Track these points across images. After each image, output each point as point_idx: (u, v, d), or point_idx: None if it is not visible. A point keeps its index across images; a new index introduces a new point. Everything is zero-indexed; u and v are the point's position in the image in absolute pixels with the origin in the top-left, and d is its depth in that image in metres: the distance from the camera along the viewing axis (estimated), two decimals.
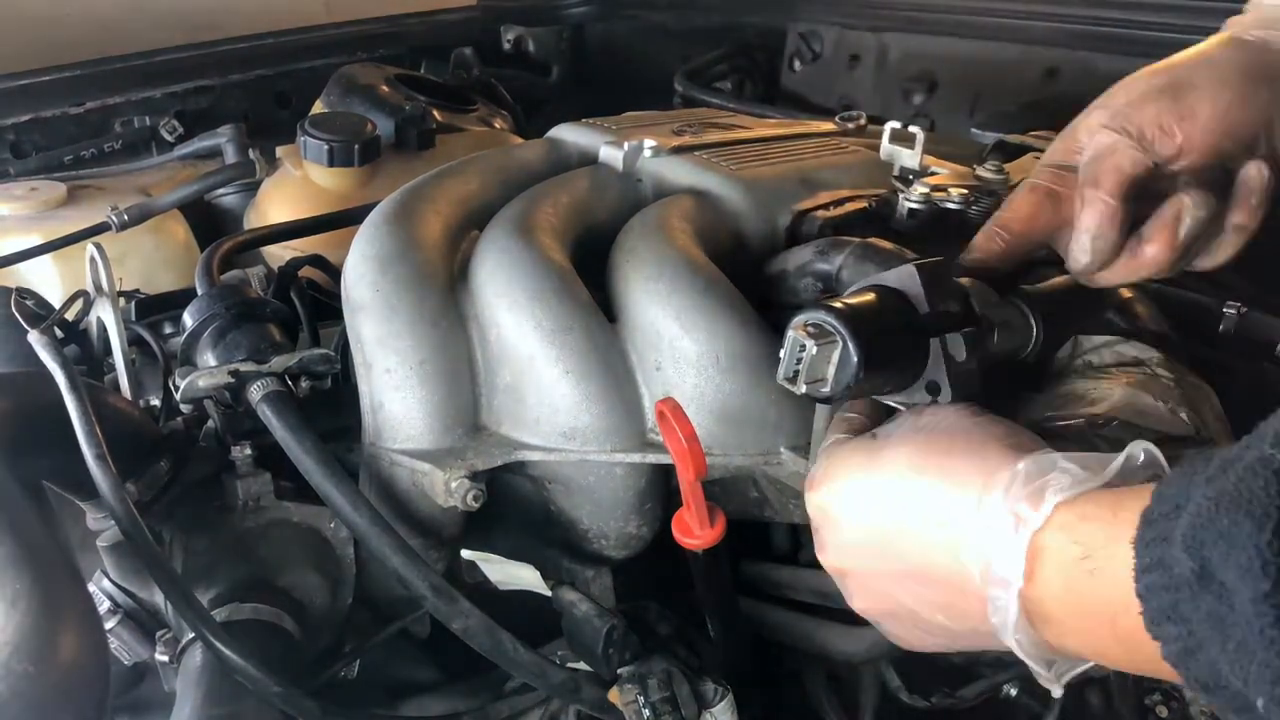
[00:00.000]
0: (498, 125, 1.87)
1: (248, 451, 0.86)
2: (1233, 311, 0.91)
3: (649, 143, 1.06)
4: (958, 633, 0.62)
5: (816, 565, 0.99)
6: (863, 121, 1.26)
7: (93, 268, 1.00)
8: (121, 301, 1.02)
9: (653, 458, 0.85)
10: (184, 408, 0.96)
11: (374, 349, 0.86)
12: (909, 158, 0.98)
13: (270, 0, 2.14)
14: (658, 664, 0.85)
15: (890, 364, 0.67)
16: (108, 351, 1.05)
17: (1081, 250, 0.72)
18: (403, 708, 0.93)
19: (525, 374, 0.85)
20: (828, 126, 1.26)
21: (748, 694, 0.88)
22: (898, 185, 0.96)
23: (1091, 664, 0.56)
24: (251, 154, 1.55)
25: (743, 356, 0.84)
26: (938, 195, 0.94)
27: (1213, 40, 0.75)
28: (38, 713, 0.56)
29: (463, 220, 0.99)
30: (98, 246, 0.99)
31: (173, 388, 0.87)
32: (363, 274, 0.89)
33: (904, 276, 0.68)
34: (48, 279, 1.39)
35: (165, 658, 0.83)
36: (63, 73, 1.78)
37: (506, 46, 2.35)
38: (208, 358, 0.91)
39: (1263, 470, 0.41)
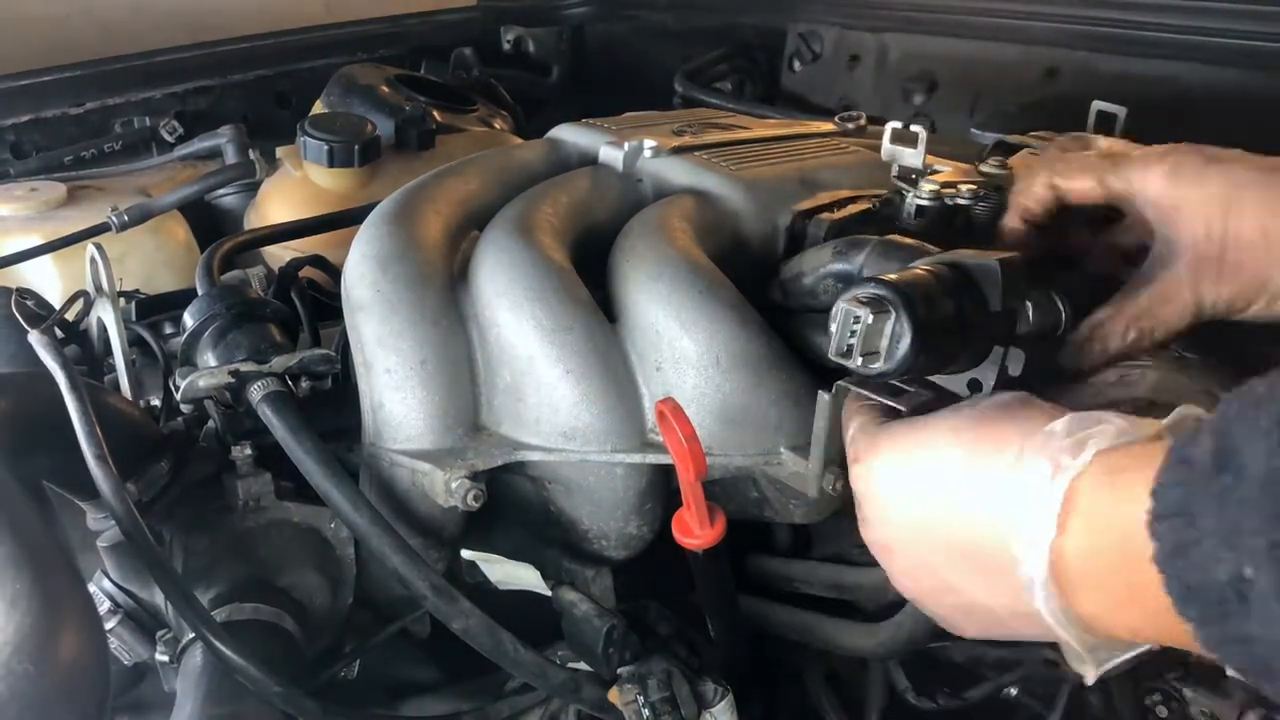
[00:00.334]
0: (498, 125, 1.87)
1: (248, 451, 0.86)
2: None
3: (649, 143, 1.06)
4: (996, 611, 0.59)
5: (830, 559, 1.00)
6: (863, 122, 1.26)
7: (93, 268, 1.00)
8: (121, 302, 1.02)
9: (653, 458, 0.85)
10: (184, 408, 0.96)
11: (374, 349, 0.86)
12: (911, 157, 0.98)
13: (270, 0, 2.14)
14: (658, 664, 0.85)
15: (942, 348, 0.65)
16: (108, 351, 1.05)
17: None
18: (403, 708, 0.93)
19: (525, 374, 0.85)
20: (828, 127, 1.26)
21: (748, 694, 0.88)
22: (901, 184, 0.96)
23: (1130, 654, 0.54)
24: (251, 154, 1.55)
25: (743, 357, 0.84)
26: (947, 191, 0.94)
27: None
28: (38, 713, 0.56)
29: (463, 220, 0.99)
30: (98, 247, 0.99)
31: (173, 388, 0.87)
32: (363, 274, 0.89)
33: (984, 268, 0.66)
34: (48, 279, 1.39)
35: (165, 658, 0.83)
36: (63, 73, 1.78)
37: (506, 47, 2.35)
38: (208, 358, 0.91)
39: None
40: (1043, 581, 0.52)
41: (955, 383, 0.68)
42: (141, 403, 1.04)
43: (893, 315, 0.62)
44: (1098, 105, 1.26)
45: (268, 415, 0.83)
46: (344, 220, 1.27)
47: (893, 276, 0.64)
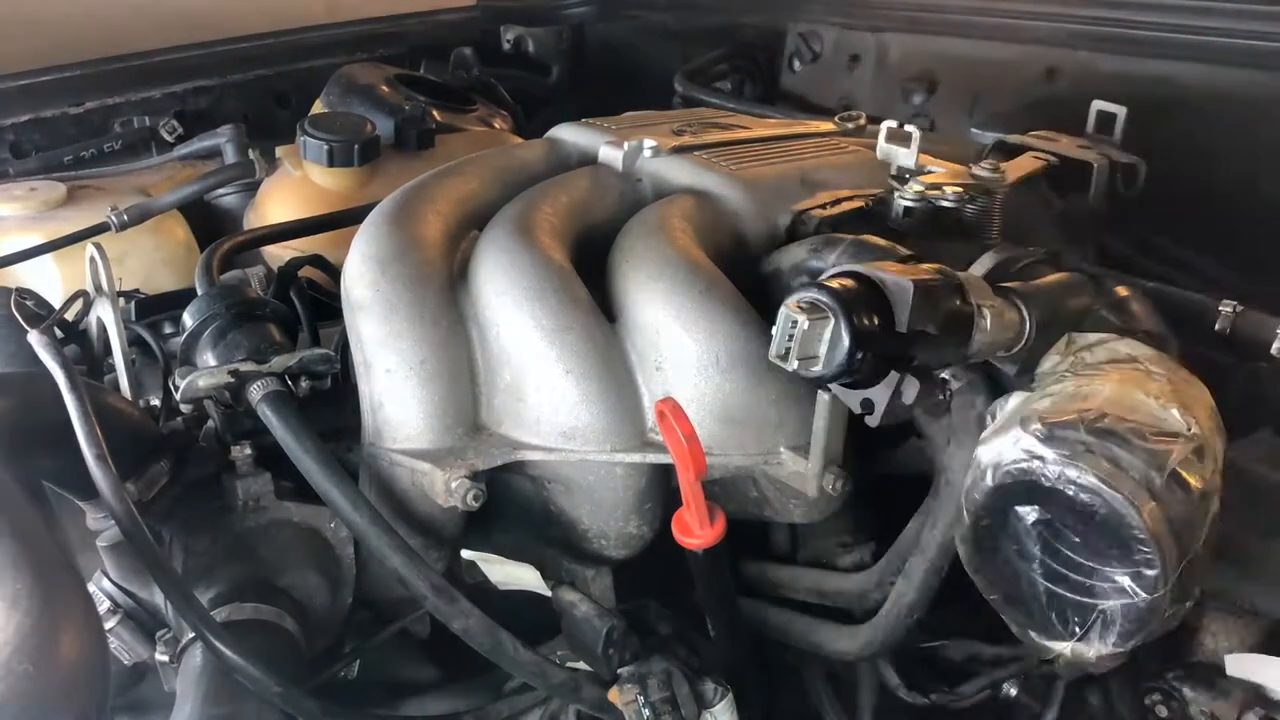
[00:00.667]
0: (498, 125, 1.86)
1: (248, 451, 0.86)
2: (1229, 310, 0.91)
3: (649, 143, 1.06)
4: None
5: (813, 564, 1.00)
6: (862, 121, 1.26)
7: (93, 268, 1.00)
8: (121, 301, 1.02)
9: (653, 458, 0.85)
10: (184, 408, 0.96)
11: (374, 349, 0.86)
12: (905, 156, 0.98)
13: (270, 0, 2.14)
14: (658, 664, 0.85)
15: (880, 357, 0.66)
16: (108, 351, 1.05)
17: None
18: (403, 707, 0.93)
19: (525, 374, 0.85)
20: (827, 126, 1.26)
21: (748, 694, 0.88)
22: (894, 184, 0.96)
23: None
24: (251, 154, 1.55)
25: (743, 357, 0.84)
26: (933, 193, 0.94)
27: None
28: (38, 713, 0.56)
29: (463, 220, 0.99)
30: (98, 246, 0.99)
31: (173, 388, 0.87)
32: (363, 274, 0.89)
33: (899, 286, 0.66)
34: (48, 279, 1.39)
35: (165, 658, 0.83)
36: (63, 73, 1.78)
37: (506, 46, 2.35)
38: (208, 358, 0.91)
39: None
40: None
41: (851, 398, 0.69)
42: (141, 403, 1.04)
43: (831, 320, 0.63)
44: (1098, 105, 1.26)
45: (267, 415, 0.83)
46: (344, 220, 1.27)
47: (835, 283, 0.65)
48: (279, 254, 1.32)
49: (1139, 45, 1.48)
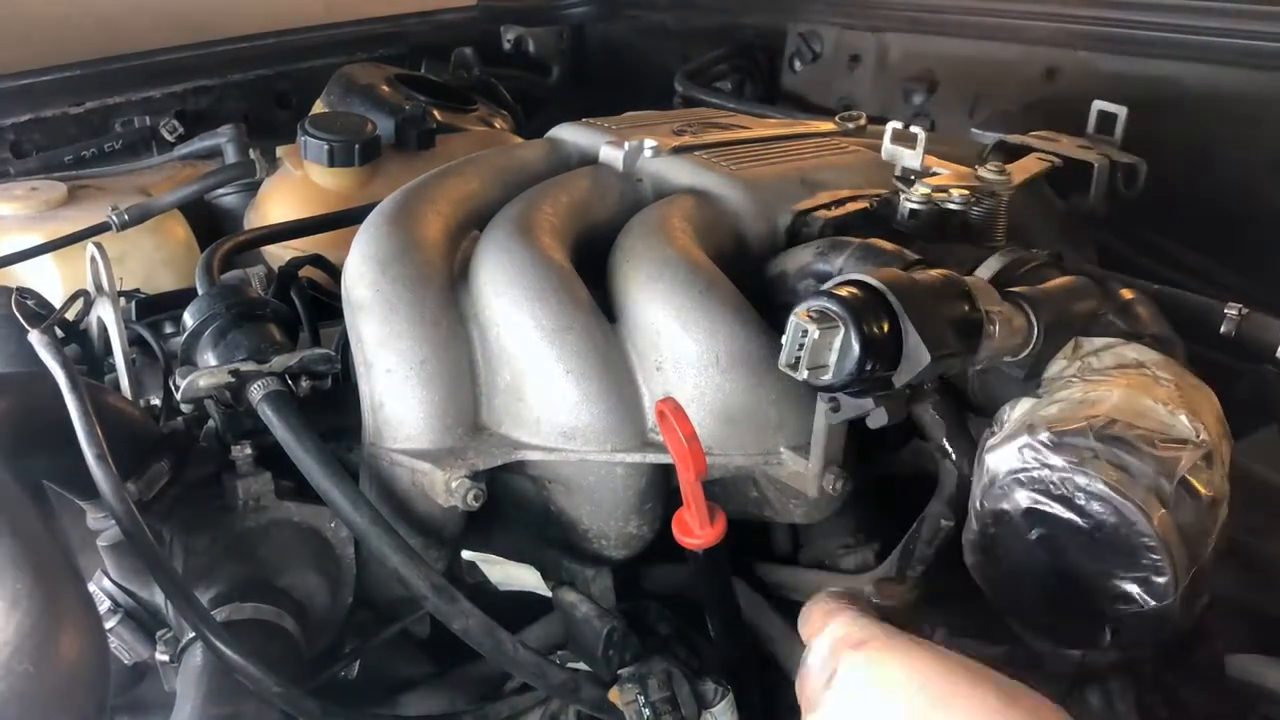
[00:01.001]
0: (498, 125, 1.86)
1: (248, 451, 0.86)
2: (1234, 313, 0.90)
3: (649, 143, 1.06)
4: None
5: (815, 566, 1.00)
6: (863, 121, 1.26)
7: (93, 267, 1.00)
8: (121, 301, 1.02)
9: (653, 457, 0.85)
10: (184, 407, 0.96)
11: (374, 349, 0.86)
12: (910, 158, 0.98)
13: (270, 0, 2.14)
14: (658, 664, 0.85)
15: (890, 367, 0.66)
16: (108, 351, 1.05)
17: None
18: (402, 703, 0.93)
19: (525, 374, 0.85)
20: (828, 126, 1.26)
21: (748, 694, 0.88)
22: (899, 185, 0.96)
23: None
24: (251, 154, 1.55)
25: (743, 356, 0.84)
26: (939, 195, 0.94)
27: None
28: (38, 713, 0.56)
29: (463, 220, 0.99)
30: (98, 246, 0.99)
31: (173, 387, 0.87)
32: (363, 274, 0.89)
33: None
34: (48, 279, 1.39)
35: (165, 657, 0.83)
36: (63, 73, 1.78)
37: (506, 46, 2.35)
38: (208, 357, 0.91)
39: None
40: None
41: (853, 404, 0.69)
42: (141, 402, 1.04)
43: (841, 330, 0.63)
44: (1098, 105, 1.26)
45: (268, 415, 0.83)
46: (344, 220, 1.27)
47: (846, 291, 0.65)
48: (279, 254, 1.32)
49: (1139, 45, 1.48)
